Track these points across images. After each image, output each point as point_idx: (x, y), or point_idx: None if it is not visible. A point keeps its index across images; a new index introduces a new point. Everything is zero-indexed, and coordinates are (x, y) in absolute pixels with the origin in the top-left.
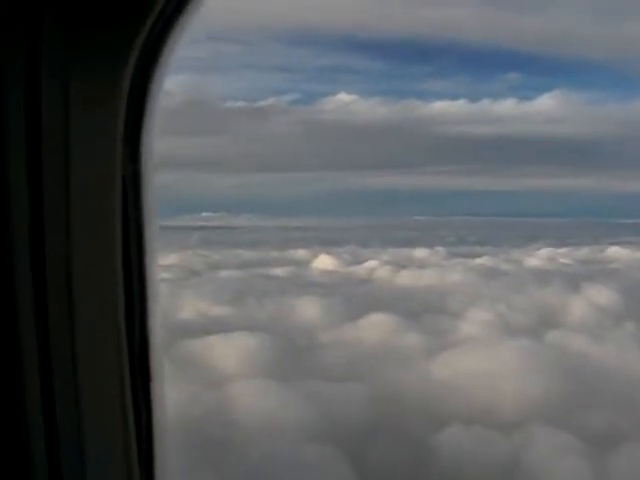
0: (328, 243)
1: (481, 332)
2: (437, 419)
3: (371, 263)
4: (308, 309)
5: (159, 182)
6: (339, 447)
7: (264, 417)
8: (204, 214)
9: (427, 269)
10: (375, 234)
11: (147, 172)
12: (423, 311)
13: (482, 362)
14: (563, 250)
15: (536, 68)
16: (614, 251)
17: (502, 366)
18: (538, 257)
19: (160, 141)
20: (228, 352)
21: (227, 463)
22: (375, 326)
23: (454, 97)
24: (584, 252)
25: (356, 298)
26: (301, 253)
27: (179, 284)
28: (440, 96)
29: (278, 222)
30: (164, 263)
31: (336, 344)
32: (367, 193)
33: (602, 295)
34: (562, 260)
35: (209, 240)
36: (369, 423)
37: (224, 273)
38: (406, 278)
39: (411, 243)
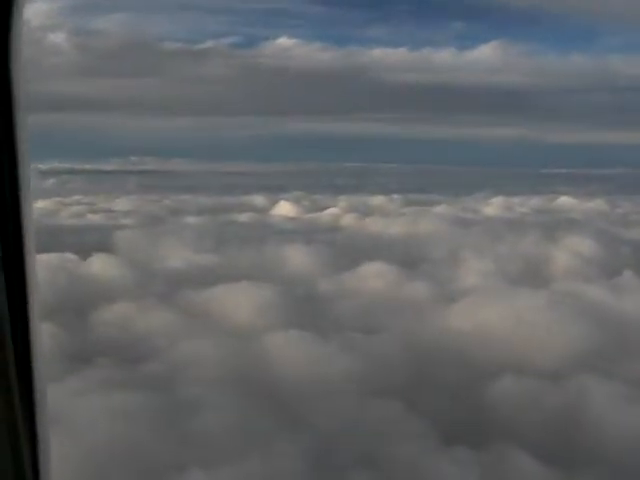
0: (272, 189)
1: (485, 282)
2: (484, 370)
3: (332, 210)
4: (297, 257)
5: (88, 125)
6: (403, 401)
7: (313, 370)
8: (133, 158)
9: (392, 217)
10: (315, 180)
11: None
12: (418, 260)
13: (502, 312)
14: (516, 199)
15: (480, 18)
16: (565, 201)
17: (526, 316)
18: (495, 206)
19: (92, 83)
20: (241, 303)
21: (304, 420)
22: (376, 275)
23: (396, 45)
24: (536, 202)
25: (340, 246)
26: (258, 200)
27: (148, 231)
28: (382, 43)
29: (209, 167)
30: (117, 209)
31: (345, 294)
32: (302, 139)
33: (583, 245)
34: (520, 209)
35: (147, 185)
36: (418, 376)
37: (188, 219)
38: (376, 226)
39: (355, 190)
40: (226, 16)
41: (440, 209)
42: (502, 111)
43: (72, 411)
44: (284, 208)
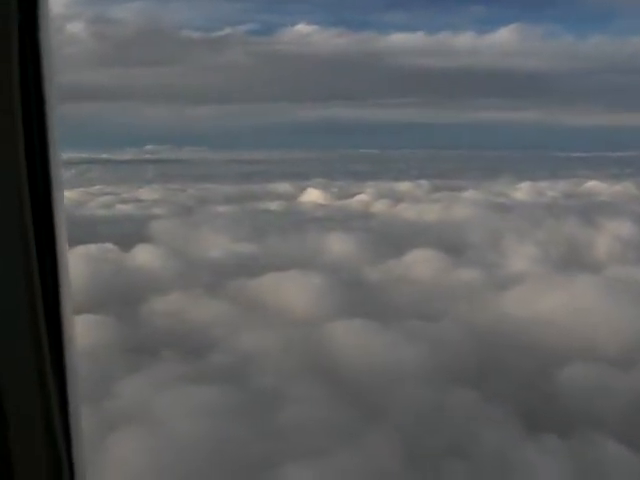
0: (292, 176)
1: (534, 267)
2: (551, 356)
3: (361, 197)
4: (339, 245)
5: (103, 114)
6: (479, 389)
7: (383, 358)
8: (148, 147)
9: (423, 203)
10: (335, 167)
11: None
12: (461, 246)
13: (559, 298)
14: (544, 184)
15: (499, 1)
16: (593, 185)
17: (583, 301)
18: (524, 191)
19: (109, 72)
20: (293, 291)
21: (386, 410)
22: (423, 262)
23: (414, 29)
24: (564, 186)
25: (379, 233)
26: (283, 187)
27: (182, 221)
28: (399, 28)
29: (225, 155)
30: (144, 198)
31: (395, 281)
32: (319, 125)
33: (623, 229)
34: (550, 193)
35: (167, 173)
36: (488, 363)
37: (218, 208)
38: (410, 212)
39: (376, 176)
40: (243, 3)
41: (469, 194)
42: (520, 94)
43: (155, 407)
44: (312, 195)
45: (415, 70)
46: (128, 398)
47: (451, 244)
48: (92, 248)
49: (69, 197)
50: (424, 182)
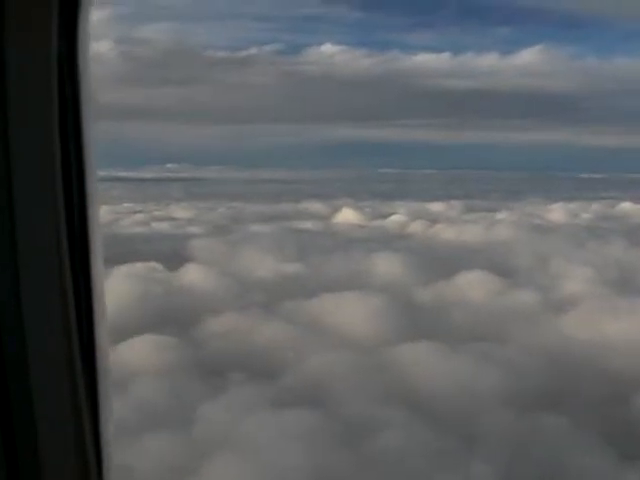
0: (319, 196)
1: (589, 289)
2: (624, 380)
3: (396, 217)
4: (386, 266)
5: (125, 133)
6: (563, 413)
7: (459, 383)
8: (169, 165)
9: (460, 224)
10: (360, 187)
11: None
12: (509, 268)
13: (620, 320)
14: (574, 205)
15: (525, 23)
16: (626, 207)
17: None
18: (558, 212)
19: (134, 91)
20: (351, 313)
21: (475, 436)
22: (476, 284)
23: (439, 50)
24: (597, 207)
25: (422, 254)
26: (315, 207)
27: (221, 240)
28: (425, 48)
29: (248, 174)
30: (177, 216)
31: (450, 303)
32: (343, 145)
33: None
34: (584, 215)
35: (193, 192)
36: (563, 387)
37: (253, 228)
38: (448, 233)
39: (403, 196)
40: (269, 23)
41: (502, 215)
42: (543, 116)
43: (245, 432)
44: (347, 215)
45: (439, 91)
46: (215, 423)
47: (499, 266)
48: (138, 267)
49: (99, 215)
50: (456, 203)
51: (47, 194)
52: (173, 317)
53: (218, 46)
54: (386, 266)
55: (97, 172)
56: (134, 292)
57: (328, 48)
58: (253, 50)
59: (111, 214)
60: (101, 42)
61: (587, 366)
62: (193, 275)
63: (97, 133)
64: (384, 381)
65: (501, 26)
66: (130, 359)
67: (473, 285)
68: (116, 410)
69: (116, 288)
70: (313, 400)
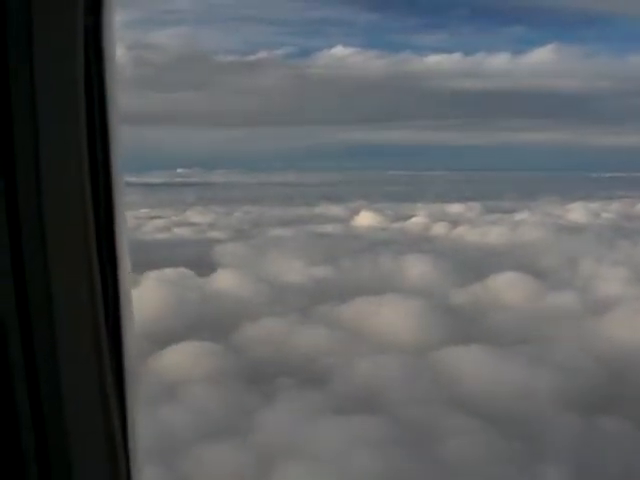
0: (333, 199)
1: (628, 290)
2: None
3: (417, 219)
4: (417, 268)
5: (135, 138)
6: (626, 417)
7: (513, 385)
8: (180, 170)
9: (482, 225)
10: (373, 189)
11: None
12: (543, 269)
13: None
14: (595, 205)
15: (537, 22)
16: None
17: None
18: (578, 212)
19: (145, 96)
20: (391, 316)
21: (545, 440)
22: (512, 286)
23: (450, 50)
24: (617, 207)
25: (451, 257)
26: (334, 210)
27: (245, 244)
28: (437, 49)
29: (259, 178)
30: (198, 221)
31: (489, 305)
32: (355, 147)
33: None
34: (605, 215)
35: (206, 197)
36: (618, 389)
37: (274, 232)
38: (472, 235)
39: (418, 198)
40: (280, 27)
41: (523, 216)
42: (555, 115)
43: (308, 440)
44: (366, 218)
45: (451, 91)
46: (277, 431)
47: (531, 267)
48: (168, 273)
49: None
50: (474, 204)
51: (75, 198)
52: (211, 323)
53: (229, 50)
54: (417, 269)
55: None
56: (168, 298)
57: (339, 50)
58: (264, 54)
59: (130, 220)
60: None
61: (637, 367)
62: (225, 280)
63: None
64: (439, 385)
65: (513, 25)
66: (176, 366)
67: (508, 287)
68: (173, 418)
69: (150, 294)
70: (372, 406)
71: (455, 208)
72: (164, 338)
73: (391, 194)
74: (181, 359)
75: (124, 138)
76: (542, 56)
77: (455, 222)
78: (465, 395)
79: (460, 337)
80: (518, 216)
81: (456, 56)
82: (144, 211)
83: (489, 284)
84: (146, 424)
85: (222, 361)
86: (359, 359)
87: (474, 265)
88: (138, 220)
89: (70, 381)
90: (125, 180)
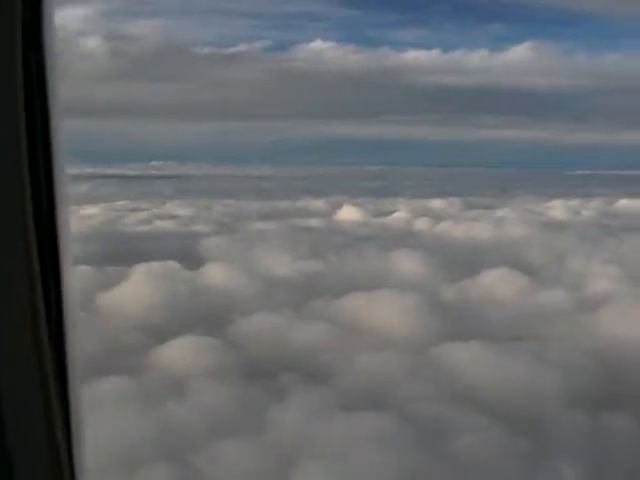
0: (312, 193)
1: (618, 286)
2: None
3: (399, 214)
4: (405, 264)
5: (109, 130)
6: (629, 412)
7: (515, 381)
8: (154, 162)
9: (465, 221)
10: (351, 183)
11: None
12: (532, 266)
13: None
14: (574, 202)
15: (515, 19)
16: (626, 203)
17: None
18: (559, 209)
19: (122, 87)
20: (385, 311)
21: (554, 436)
22: (503, 282)
23: (429, 46)
24: (597, 204)
25: (438, 252)
26: (315, 204)
27: (229, 238)
28: (415, 45)
29: (234, 170)
30: (179, 214)
31: (481, 301)
32: (332, 142)
33: None
34: (586, 213)
35: (183, 189)
36: (617, 385)
37: (256, 225)
38: (457, 231)
39: (396, 193)
40: (259, 20)
41: (503, 212)
42: (532, 112)
43: (324, 437)
44: (348, 212)
45: (428, 87)
46: (289, 428)
47: (520, 263)
48: (155, 266)
49: (97, 213)
50: (455, 200)
51: (14, 190)
52: (205, 317)
53: (206, 43)
54: (406, 264)
55: (84, 169)
56: (159, 292)
57: (317, 45)
58: (242, 47)
59: (110, 211)
60: (89, 38)
61: (634, 364)
62: (215, 274)
63: (83, 130)
64: (442, 381)
65: (492, 23)
66: (177, 361)
67: (499, 283)
68: (181, 415)
69: (140, 288)
70: (378, 402)
71: (436, 203)
72: (160, 332)
73: (370, 189)
74: (181, 354)
75: (97, 130)
76: (519, 53)
77: (437, 217)
78: (469, 391)
79: (456, 333)
80: (499, 212)
81: (434, 52)
82: (122, 203)
83: (480, 280)
84: (157, 422)
85: (222, 356)
86: (359, 355)
87: (462, 261)
88: (117, 212)
89: (8, 383)
90: (102, 172)
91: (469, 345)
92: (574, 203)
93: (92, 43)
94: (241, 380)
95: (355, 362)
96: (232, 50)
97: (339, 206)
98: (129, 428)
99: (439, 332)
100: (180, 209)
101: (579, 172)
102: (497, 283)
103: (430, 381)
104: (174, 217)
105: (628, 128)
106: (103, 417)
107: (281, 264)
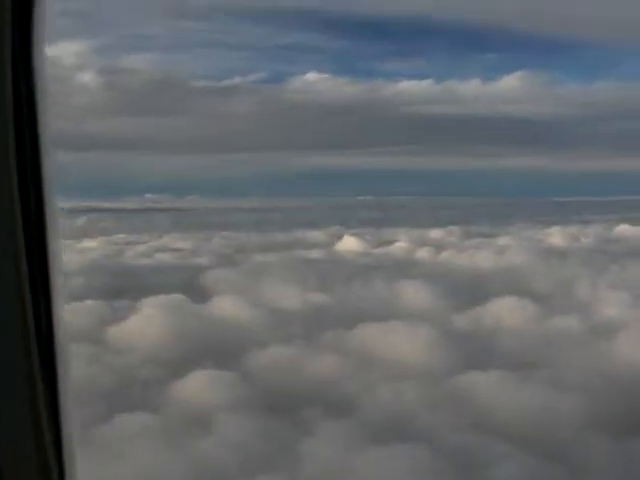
0: (308, 224)
1: (629, 312)
2: None
3: (400, 244)
4: (412, 294)
5: (104, 164)
6: None
7: (546, 410)
8: (148, 195)
9: (467, 250)
10: (346, 214)
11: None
12: (540, 293)
13: None
14: (573, 229)
15: (506, 50)
16: (625, 229)
17: None
18: (557, 236)
19: (116, 122)
20: (404, 342)
21: (591, 463)
22: (513, 310)
23: (422, 77)
24: (595, 230)
25: (442, 281)
26: (314, 235)
27: (233, 270)
28: (408, 76)
29: (229, 203)
30: (179, 246)
31: (493, 330)
32: (325, 173)
33: None
34: (585, 239)
35: (180, 222)
36: (635, 410)
37: (257, 257)
38: (459, 259)
39: (394, 223)
40: (254, 52)
41: (503, 241)
42: (523, 141)
43: (361, 471)
44: (349, 243)
45: (421, 117)
46: (324, 462)
47: (527, 291)
48: (162, 299)
49: (96, 246)
50: (454, 229)
51: (6, 224)
52: (218, 350)
53: (201, 76)
54: (413, 294)
55: (79, 203)
56: (169, 325)
57: (312, 76)
58: (237, 79)
59: (109, 245)
60: (84, 73)
61: None
62: (223, 307)
63: (78, 164)
64: (466, 410)
65: (483, 53)
66: (195, 396)
67: (509, 311)
68: (211, 451)
69: (150, 322)
70: (406, 433)
71: (436, 233)
72: (174, 366)
73: (368, 219)
74: (199, 388)
75: (88, 164)
76: (511, 83)
77: (438, 247)
78: (494, 420)
79: (472, 362)
80: (500, 241)
81: (427, 82)
82: (121, 236)
83: (489, 308)
84: (188, 458)
85: (240, 390)
86: (379, 386)
87: (468, 289)
88: (117, 246)
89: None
90: (98, 206)
91: (488, 374)
92: (573, 230)
93: (86, 77)
94: (263, 414)
95: (376, 393)
96: (227, 83)
97: (339, 237)
98: (160, 465)
99: (454, 361)
100: (179, 242)
101: (575, 199)
102: (506, 311)
103: (454, 411)
104: (174, 250)
105: (622, 155)
106: (130, 455)
107: (288, 296)
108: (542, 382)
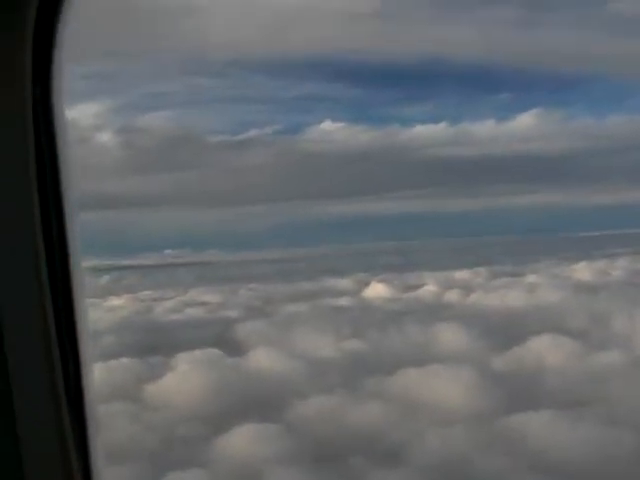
0: (333, 272)
1: None
2: None
3: (428, 288)
4: (447, 337)
5: (121, 221)
6: None
7: (602, 449)
8: (168, 251)
9: (496, 291)
10: (369, 261)
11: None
12: (578, 330)
13: None
14: (600, 263)
15: (520, 89)
16: None
17: None
18: (586, 271)
19: (135, 180)
20: (446, 386)
21: None
22: (552, 348)
23: (436, 120)
24: (623, 264)
25: (478, 323)
26: (341, 283)
27: (266, 322)
28: (423, 120)
29: (249, 255)
30: (207, 300)
31: (536, 369)
32: (344, 221)
33: None
34: (615, 272)
35: (203, 276)
36: None
37: (288, 308)
38: (491, 300)
39: (417, 267)
40: (268, 105)
41: (532, 279)
42: (539, 178)
43: None
44: (377, 289)
45: (437, 160)
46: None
47: (563, 328)
48: (198, 354)
49: (123, 304)
50: (480, 270)
51: (33, 285)
52: (259, 403)
53: (218, 130)
54: (448, 336)
55: (101, 261)
56: (208, 381)
57: (327, 125)
58: (253, 132)
59: (136, 302)
60: (102, 133)
61: None
62: (260, 360)
63: (96, 223)
64: (520, 453)
65: (497, 93)
66: (242, 450)
67: (549, 349)
68: None
69: (188, 377)
70: (461, 479)
71: (462, 274)
72: (216, 421)
73: (391, 265)
74: (245, 442)
75: (108, 223)
76: (526, 121)
77: (467, 288)
78: (552, 460)
79: (520, 403)
80: (527, 279)
81: (442, 126)
82: (146, 293)
83: (528, 347)
84: None
85: (286, 442)
86: (426, 432)
87: (503, 329)
88: (144, 302)
89: (31, 462)
90: (119, 264)
91: (539, 414)
92: (600, 264)
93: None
94: (313, 465)
95: (424, 439)
96: (243, 136)
97: (366, 284)
98: None
99: (501, 403)
100: (206, 295)
101: (594, 233)
102: (546, 349)
103: (507, 454)
104: (202, 304)
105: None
106: None
107: (322, 345)
108: (595, 419)
